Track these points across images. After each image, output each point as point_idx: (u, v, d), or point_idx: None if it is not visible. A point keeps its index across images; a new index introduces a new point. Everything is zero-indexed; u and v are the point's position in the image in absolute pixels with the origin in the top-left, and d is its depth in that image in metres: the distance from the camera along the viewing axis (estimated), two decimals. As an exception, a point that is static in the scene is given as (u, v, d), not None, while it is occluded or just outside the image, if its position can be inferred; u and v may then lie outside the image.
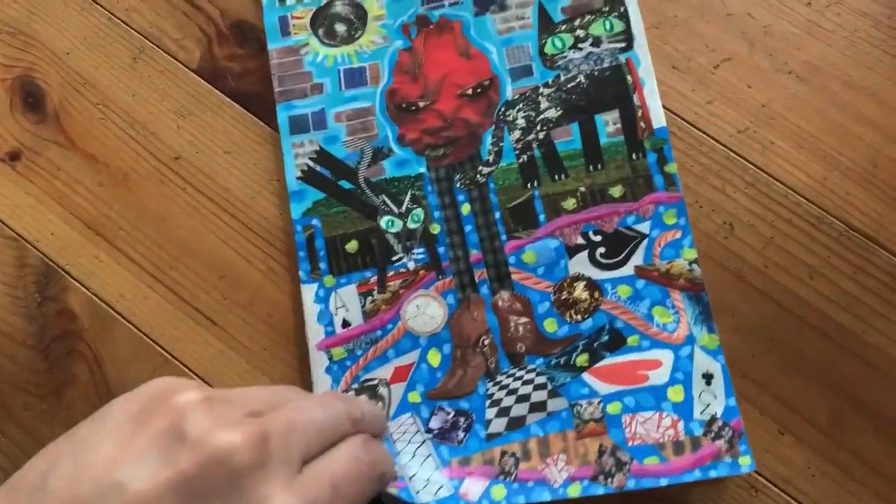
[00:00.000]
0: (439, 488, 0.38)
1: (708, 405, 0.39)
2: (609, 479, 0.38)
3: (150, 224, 0.44)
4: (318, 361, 0.41)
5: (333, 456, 0.32)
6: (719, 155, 0.43)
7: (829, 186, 0.42)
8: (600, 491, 0.38)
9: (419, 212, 0.42)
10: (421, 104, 0.43)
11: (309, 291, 0.42)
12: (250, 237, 0.44)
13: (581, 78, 0.43)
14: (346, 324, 0.41)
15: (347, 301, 0.42)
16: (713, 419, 0.38)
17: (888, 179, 0.42)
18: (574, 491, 0.38)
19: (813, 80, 0.43)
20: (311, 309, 0.42)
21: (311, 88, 0.44)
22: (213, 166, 0.45)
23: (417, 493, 0.37)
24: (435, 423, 0.40)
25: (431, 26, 0.44)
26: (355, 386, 0.40)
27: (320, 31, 0.45)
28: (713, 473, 0.37)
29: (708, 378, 0.39)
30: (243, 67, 0.46)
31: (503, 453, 0.39)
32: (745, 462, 0.38)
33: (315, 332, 0.41)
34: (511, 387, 0.40)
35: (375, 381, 0.41)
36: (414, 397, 0.40)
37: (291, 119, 0.44)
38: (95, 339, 0.43)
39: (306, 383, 0.41)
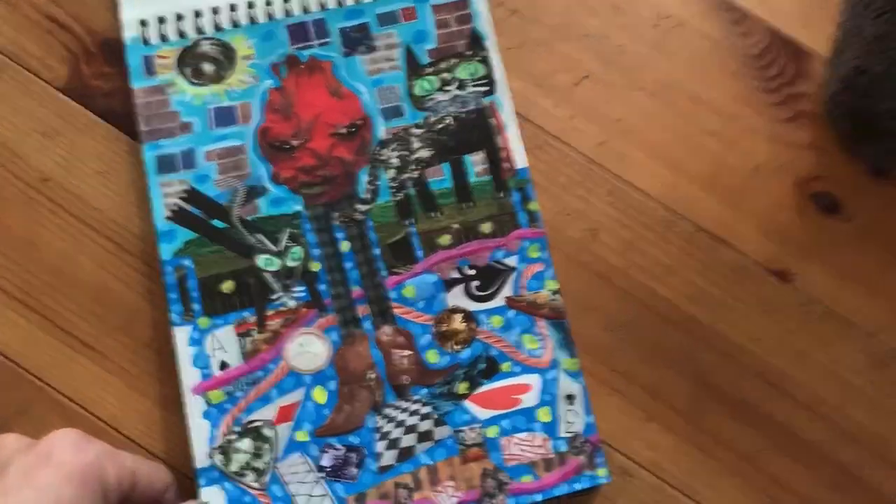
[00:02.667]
0: None
1: (571, 423, 0.42)
2: (492, 500, 0.40)
3: (18, 249, 0.43)
4: (195, 406, 0.40)
5: None
6: (582, 166, 0.46)
7: (679, 192, 0.46)
8: None
9: (298, 250, 0.43)
10: (294, 143, 0.44)
11: (182, 334, 0.41)
12: (126, 259, 0.43)
13: (449, 120, 0.45)
14: (224, 366, 0.41)
15: (225, 342, 0.41)
16: (576, 436, 0.42)
17: (728, 184, 0.46)
18: None
19: (662, 95, 0.47)
20: (184, 352, 0.41)
21: (180, 128, 0.43)
22: (84, 188, 0.44)
23: None
24: (327, 461, 0.40)
25: (301, 66, 0.45)
26: (237, 429, 0.40)
27: (187, 71, 0.44)
28: (577, 486, 0.41)
29: (570, 398, 0.42)
30: (113, 86, 0.45)
31: (396, 485, 0.40)
32: (602, 473, 0.42)
33: (190, 376, 0.41)
34: (399, 419, 0.41)
35: (259, 423, 0.40)
36: (301, 436, 0.41)
37: (159, 158, 0.43)
38: (-40, 372, 0.41)
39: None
